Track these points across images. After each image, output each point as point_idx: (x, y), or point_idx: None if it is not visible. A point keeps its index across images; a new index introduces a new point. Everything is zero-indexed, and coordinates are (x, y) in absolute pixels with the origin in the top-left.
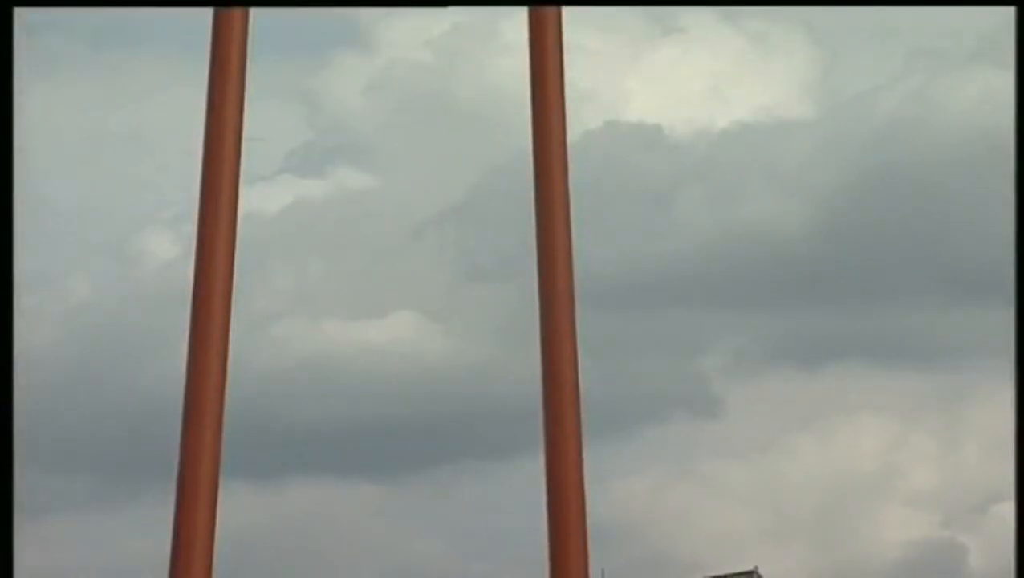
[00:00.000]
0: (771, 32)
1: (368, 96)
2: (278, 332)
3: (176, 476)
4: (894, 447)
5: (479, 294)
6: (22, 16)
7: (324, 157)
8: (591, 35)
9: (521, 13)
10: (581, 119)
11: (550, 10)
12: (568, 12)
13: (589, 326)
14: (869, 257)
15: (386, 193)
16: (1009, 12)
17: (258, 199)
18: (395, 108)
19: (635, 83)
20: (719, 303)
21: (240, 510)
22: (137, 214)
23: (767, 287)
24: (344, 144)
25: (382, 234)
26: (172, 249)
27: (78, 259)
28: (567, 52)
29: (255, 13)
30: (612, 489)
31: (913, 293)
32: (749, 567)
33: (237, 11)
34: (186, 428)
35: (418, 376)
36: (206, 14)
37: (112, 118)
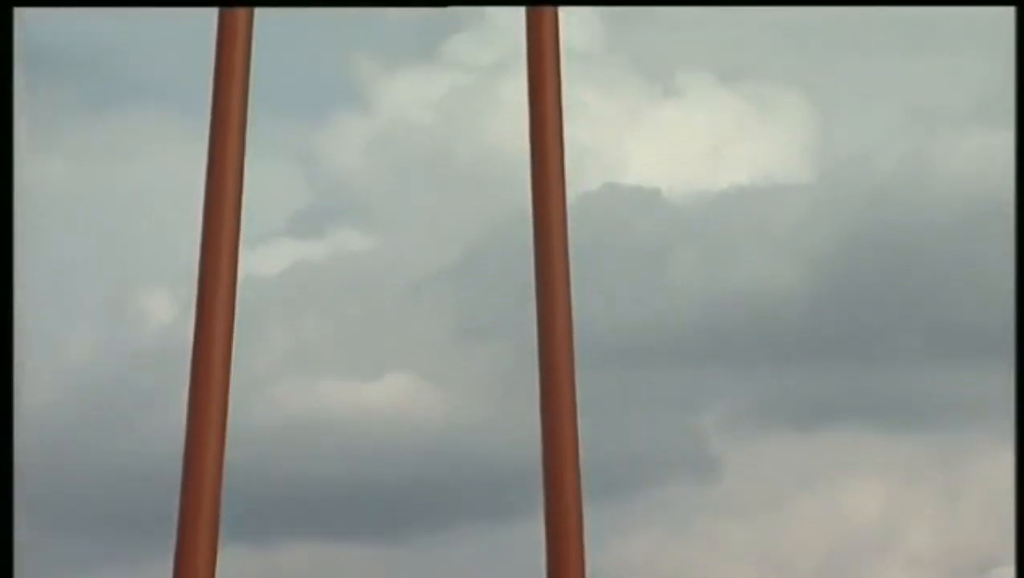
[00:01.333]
0: (769, 93)
1: (367, 157)
2: (276, 393)
3: (175, 537)
4: (892, 508)
5: (477, 354)
6: (22, 16)
7: (323, 218)
8: (590, 97)
9: (521, 73)
10: (580, 180)
11: (550, 63)
12: (568, 71)
13: (588, 385)
14: (867, 318)
15: (385, 253)
16: (1009, 12)
17: (257, 261)
18: (394, 168)
19: (634, 145)
20: (718, 363)
21: (238, 572)
22: (136, 274)
23: (765, 348)
24: (343, 205)
25: (380, 295)
26: (171, 309)
27: (77, 319)
28: (567, 114)
29: (259, 19)
30: (612, 549)
31: (910, 354)
32: None
33: (239, 45)
34: (185, 489)
35: (415, 437)
36: (208, 64)
37: (112, 177)
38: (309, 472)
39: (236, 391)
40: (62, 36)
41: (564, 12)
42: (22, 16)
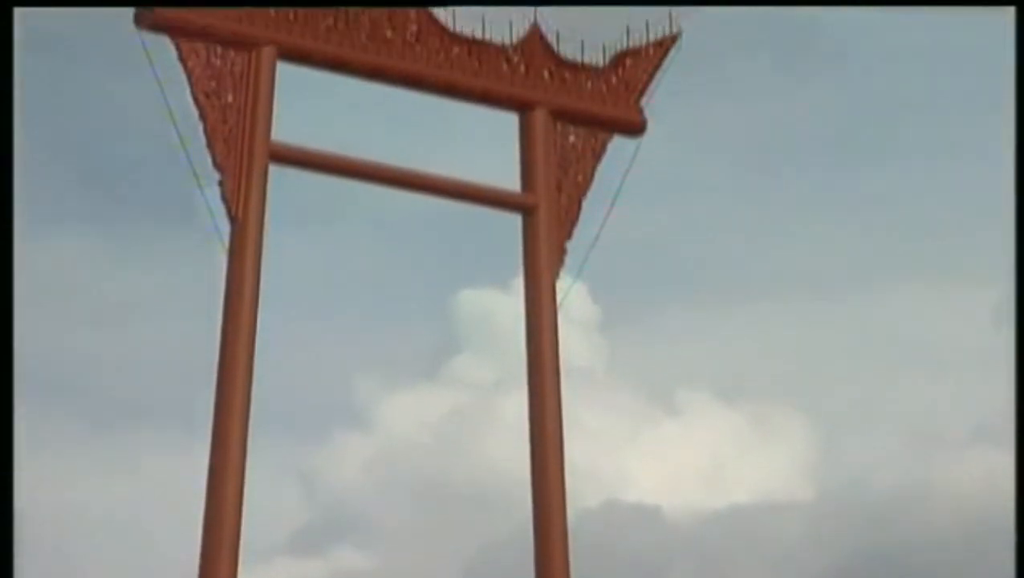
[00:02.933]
0: (769, 413)
1: (367, 475)
2: None
3: None
4: None
5: None
6: (22, 16)
7: (323, 536)
8: (591, 415)
9: (522, 390)
10: (581, 497)
11: (550, 381)
12: (569, 389)
13: None
14: None
15: (384, 572)
16: (1009, 10)
17: None
18: (394, 487)
19: (634, 462)
20: None
21: None
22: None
23: None
24: (343, 523)
25: None
26: None
27: None
28: (567, 431)
29: (260, 328)
30: None
31: None
32: None
33: (239, 377)
34: None
35: None
36: (210, 386)
37: (113, 491)
38: None
39: None
40: (67, 355)
41: (564, 326)
42: (23, 16)
